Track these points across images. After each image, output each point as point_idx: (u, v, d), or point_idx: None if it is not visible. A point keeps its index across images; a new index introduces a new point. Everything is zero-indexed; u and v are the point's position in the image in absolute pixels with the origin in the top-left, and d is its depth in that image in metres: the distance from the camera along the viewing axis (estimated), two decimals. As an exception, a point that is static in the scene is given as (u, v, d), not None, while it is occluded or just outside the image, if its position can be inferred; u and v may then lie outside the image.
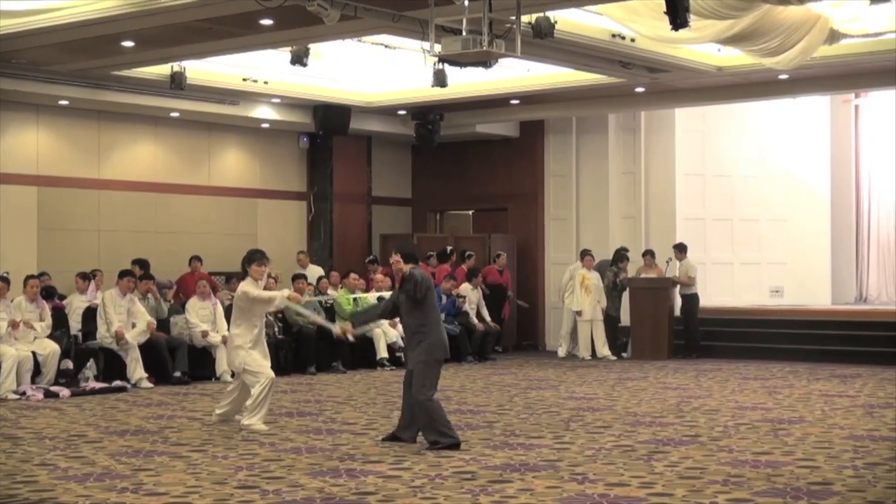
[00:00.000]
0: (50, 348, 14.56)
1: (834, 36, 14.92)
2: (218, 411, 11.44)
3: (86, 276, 16.71)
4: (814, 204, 21.87)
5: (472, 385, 15.12)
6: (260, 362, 11.05)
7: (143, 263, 17.06)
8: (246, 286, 11.09)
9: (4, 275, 14.95)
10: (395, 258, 10.05)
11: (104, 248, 18.63)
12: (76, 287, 16.63)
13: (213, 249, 19.17)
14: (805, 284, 21.54)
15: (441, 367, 9.96)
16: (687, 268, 19.33)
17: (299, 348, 16.98)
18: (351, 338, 16.89)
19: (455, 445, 9.55)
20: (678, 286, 19.32)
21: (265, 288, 12.29)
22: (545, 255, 22.16)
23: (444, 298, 18.99)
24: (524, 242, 22.23)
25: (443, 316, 18.71)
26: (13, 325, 14.18)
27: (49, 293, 15.67)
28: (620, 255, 19.75)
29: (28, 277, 15.12)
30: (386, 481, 8.08)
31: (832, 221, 21.99)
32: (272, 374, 11.12)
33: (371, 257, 20.99)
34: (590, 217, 21.66)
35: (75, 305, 16.27)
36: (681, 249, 19.49)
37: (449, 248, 20.76)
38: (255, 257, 11.22)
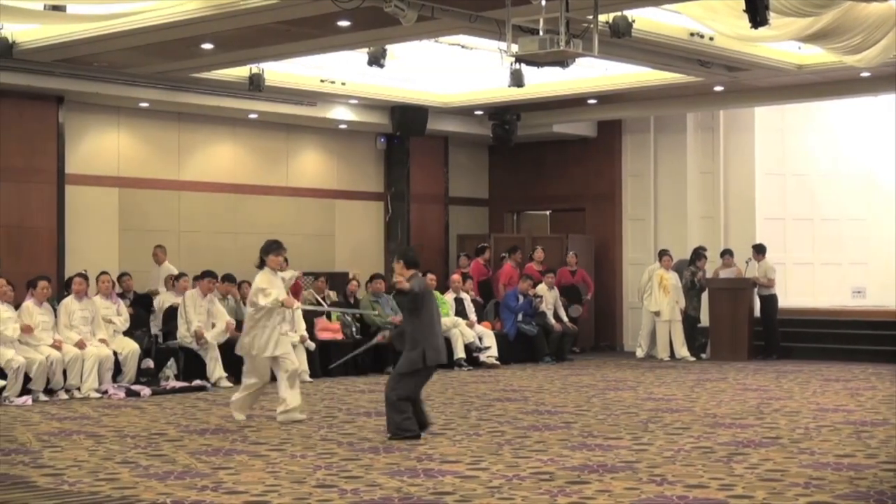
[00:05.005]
0: (130, 348, 14.75)
1: (917, 33, 14.69)
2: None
3: (175, 278, 16.84)
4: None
5: (550, 386, 15.08)
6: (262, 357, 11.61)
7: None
8: (260, 280, 11.61)
9: (83, 272, 15.16)
10: (398, 265, 10.40)
11: (184, 249, 18.80)
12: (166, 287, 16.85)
13: (292, 250, 18.89)
14: (888, 285, 21.11)
15: (427, 374, 10.35)
16: (766, 268, 19.15)
17: (377, 348, 16.97)
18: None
19: (416, 437, 10.09)
20: (757, 287, 19.15)
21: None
22: (623, 256, 22.05)
23: (521, 298, 18.99)
24: (602, 243, 22.12)
25: (520, 316, 18.91)
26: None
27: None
28: (698, 254, 19.59)
29: (100, 273, 15.36)
30: (463, 481, 8.08)
31: (915, 221, 21.62)
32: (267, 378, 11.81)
33: (482, 245, 20.97)
34: (668, 217, 21.51)
35: (166, 305, 16.43)
36: (759, 251, 19.29)
37: (539, 246, 20.73)
38: (271, 248, 11.74)
